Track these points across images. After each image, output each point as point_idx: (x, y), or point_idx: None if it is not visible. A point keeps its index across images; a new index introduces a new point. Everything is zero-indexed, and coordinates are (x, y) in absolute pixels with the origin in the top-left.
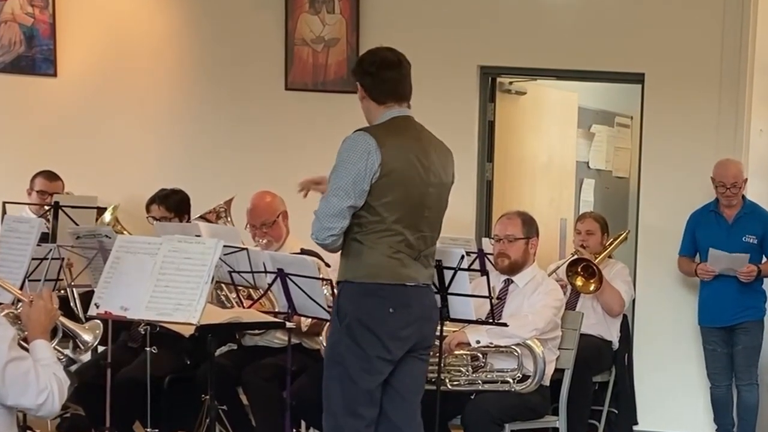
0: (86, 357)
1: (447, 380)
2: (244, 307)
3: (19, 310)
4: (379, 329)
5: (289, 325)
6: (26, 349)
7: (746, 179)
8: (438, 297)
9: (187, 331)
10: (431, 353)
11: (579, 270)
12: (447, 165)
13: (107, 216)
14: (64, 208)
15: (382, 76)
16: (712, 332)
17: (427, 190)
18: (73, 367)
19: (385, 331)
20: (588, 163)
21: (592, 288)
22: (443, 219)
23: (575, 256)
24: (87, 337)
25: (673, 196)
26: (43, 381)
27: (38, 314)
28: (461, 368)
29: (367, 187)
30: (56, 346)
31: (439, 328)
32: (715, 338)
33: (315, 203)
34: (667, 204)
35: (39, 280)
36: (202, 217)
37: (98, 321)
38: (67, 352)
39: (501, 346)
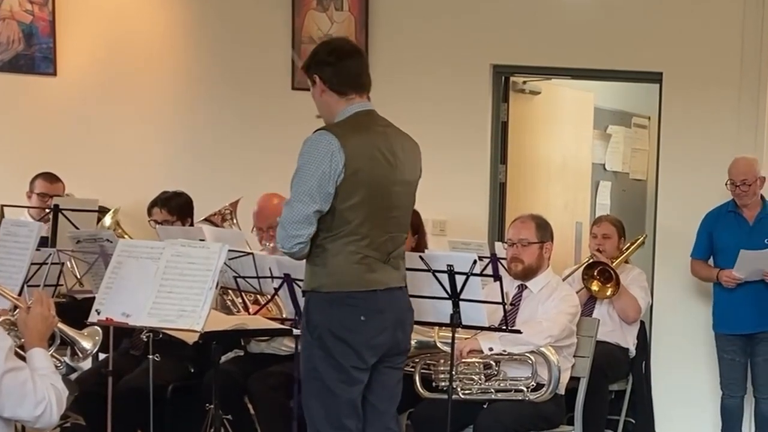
0: (87, 365)
1: (459, 389)
2: (249, 313)
3: (15, 317)
4: (351, 339)
5: (296, 332)
6: (23, 358)
7: (764, 178)
8: (450, 303)
9: (191, 339)
10: (436, 362)
11: (595, 274)
12: (415, 161)
13: (107, 220)
14: (64, 212)
15: (343, 65)
16: (730, 340)
17: (395, 188)
18: (74, 376)
19: (358, 341)
20: (604, 164)
21: (609, 292)
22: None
23: (591, 260)
24: (86, 344)
25: (692, 199)
26: (41, 392)
27: (35, 321)
28: (473, 376)
29: (332, 189)
30: (54, 354)
31: (450, 335)
32: (733, 347)
33: None
34: (685, 207)
35: (38, 286)
36: (207, 220)
37: (97, 327)
38: (66, 359)
39: (514, 354)
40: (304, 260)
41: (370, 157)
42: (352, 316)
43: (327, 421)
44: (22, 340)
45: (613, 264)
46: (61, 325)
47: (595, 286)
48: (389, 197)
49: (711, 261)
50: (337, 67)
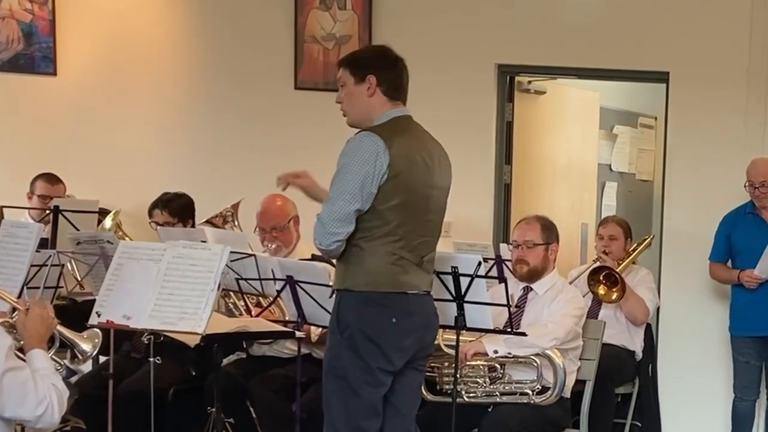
0: (87, 368)
1: (463, 392)
2: (252, 316)
3: (14, 319)
4: (381, 340)
5: (298, 334)
6: (23, 360)
7: None
8: (454, 305)
9: (193, 341)
10: (440, 365)
11: (601, 278)
12: (448, 168)
13: (109, 221)
14: (64, 213)
15: (401, 72)
16: (746, 342)
17: (432, 193)
18: (74, 379)
19: (387, 342)
20: (610, 165)
21: (614, 297)
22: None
23: (597, 264)
24: (85, 346)
25: (699, 200)
26: (42, 391)
27: (34, 323)
28: (478, 379)
29: (375, 189)
30: (54, 356)
31: (454, 338)
32: (749, 349)
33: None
34: (692, 208)
35: (38, 288)
36: (209, 222)
37: (97, 330)
38: (66, 362)
39: (519, 357)
40: (312, 265)
41: (411, 161)
42: (384, 318)
43: (346, 422)
44: (22, 342)
45: (620, 266)
46: (60, 328)
47: (600, 290)
48: (426, 201)
49: (729, 263)
50: (396, 72)
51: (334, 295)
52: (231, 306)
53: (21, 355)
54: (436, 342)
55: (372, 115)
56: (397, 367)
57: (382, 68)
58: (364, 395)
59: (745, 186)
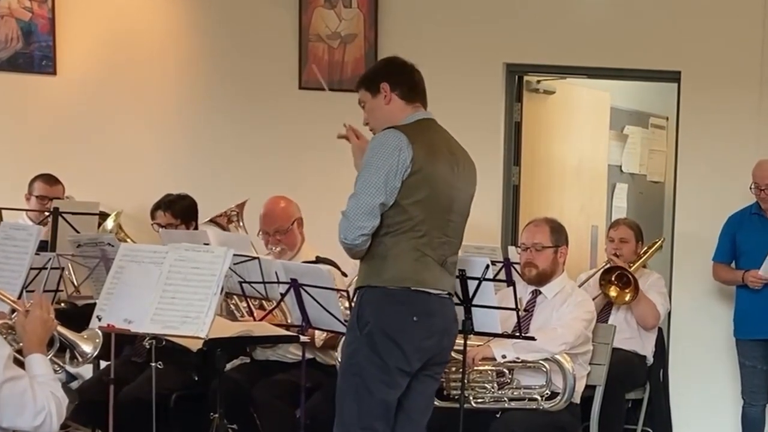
0: (88, 373)
1: (471, 397)
2: (255, 320)
3: (14, 321)
4: (401, 339)
5: (303, 338)
6: (21, 363)
7: None
8: (461, 309)
9: (195, 346)
10: (447, 370)
11: (613, 279)
12: (472, 174)
13: (109, 223)
14: (64, 215)
15: (413, 75)
16: (752, 347)
17: (455, 193)
18: (75, 384)
19: (407, 341)
20: (621, 166)
21: (627, 298)
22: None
23: (608, 265)
24: (86, 347)
25: (711, 202)
26: (41, 401)
27: (34, 325)
28: (486, 385)
29: (399, 183)
30: (54, 359)
31: (461, 342)
32: (755, 353)
33: (328, 209)
34: (704, 210)
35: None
36: (213, 221)
37: (97, 330)
38: (65, 365)
39: (528, 361)
40: (316, 268)
41: (435, 158)
42: (404, 316)
43: (358, 420)
44: (20, 344)
45: (631, 269)
46: (60, 329)
47: (612, 292)
48: (449, 200)
49: (733, 265)
50: (407, 75)
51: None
52: (233, 307)
53: (20, 357)
54: None
55: (394, 121)
56: (414, 368)
57: (392, 74)
58: (379, 395)
59: (750, 188)
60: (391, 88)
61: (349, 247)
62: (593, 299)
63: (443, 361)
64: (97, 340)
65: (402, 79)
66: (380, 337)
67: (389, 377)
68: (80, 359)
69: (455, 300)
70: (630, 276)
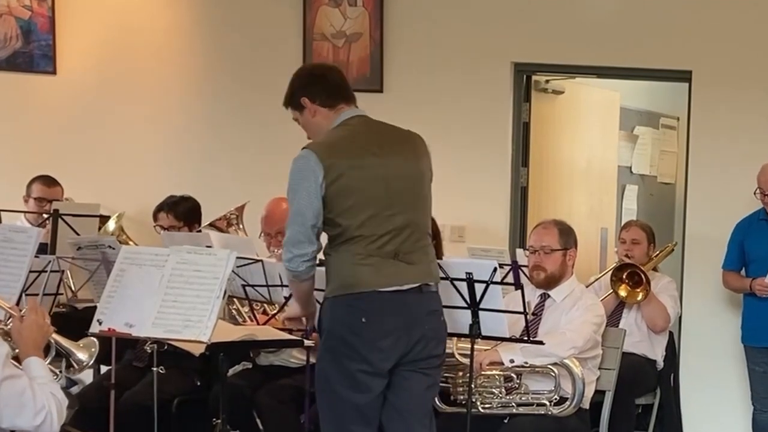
0: (88, 378)
1: (478, 403)
2: (258, 324)
3: (9, 326)
4: (354, 341)
5: (307, 343)
6: (19, 368)
7: None
8: (469, 312)
9: (197, 350)
10: (454, 375)
11: (624, 277)
12: (417, 154)
13: (111, 225)
14: (64, 217)
15: (328, 78)
16: (761, 352)
17: (394, 183)
18: (75, 389)
19: (361, 343)
20: (631, 167)
21: (639, 297)
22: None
23: (620, 263)
24: (81, 355)
25: (723, 204)
26: (40, 401)
27: (30, 330)
28: (494, 390)
29: (320, 203)
30: (51, 366)
31: (468, 347)
32: (764, 359)
33: None
34: (716, 212)
35: (37, 295)
36: (212, 225)
37: (93, 339)
38: (62, 372)
39: (537, 366)
40: (320, 271)
41: (354, 159)
42: (353, 318)
43: (335, 428)
44: (17, 351)
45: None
46: (56, 336)
47: (623, 291)
48: (386, 194)
49: (743, 272)
50: (323, 81)
51: None
52: (234, 312)
53: (17, 364)
54: (449, 350)
55: (324, 131)
56: (381, 367)
57: (306, 85)
58: (349, 399)
59: (755, 193)
60: (311, 100)
61: (292, 273)
62: (603, 298)
63: (430, 356)
64: (93, 349)
65: (317, 88)
66: (336, 343)
67: (353, 381)
68: (76, 367)
69: (462, 303)
70: (642, 274)
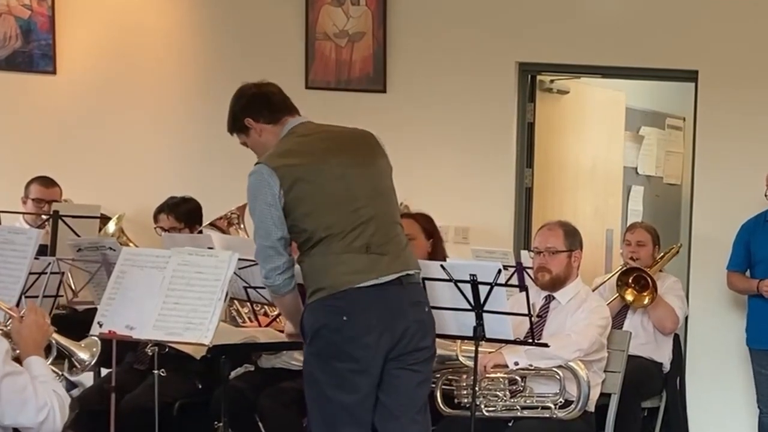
0: (88, 381)
1: (482, 405)
2: (260, 326)
3: (8, 328)
4: (338, 339)
5: None
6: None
7: None
8: (473, 315)
9: (199, 353)
10: (458, 378)
11: (630, 281)
12: (369, 146)
13: (111, 226)
14: (64, 218)
15: (266, 93)
16: (766, 356)
17: (353, 180)
18: (75, 392)
19: (344, 341)
20: (636, 168)
21: (646, 301)
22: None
23: (626, 267)
24: (83, 355)
25: (730, 205)
26: (42, 397)
27: (30, 330)
28: (498, 392)
29: (280, 213)
30: (52, 367)
31: (473, 349)
32: None
33: None
34: (722, 213)
35: (37, 296)
36: (213, 225)
37: (95, 338)
38: (64, 373)
39: (541, 369)
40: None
41: (307, 164)
42: (334, 318)
43: (325, 428)
44: (17, 351)
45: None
46: (56, 336)
47: (629, 296)
48: (346, 191)
49: (747, 273)
50: (263, 98)
51: None
52: (234, 313)
53: (18, 364)
54: (453, 352)
55: (272, 145)
56: (368, 365)
57: (247, 106)
58: (336, 399)
59: (766, 195)
60: (255, 120)
61: (271, 288)
62: (609, 302)
63: (417, 348)
64: (95, 349)
65: (257, 106)
66: (321, 344)
67: (341, 380)
68: (78, 367)
69: (466, 305)
70: (648, 278)
